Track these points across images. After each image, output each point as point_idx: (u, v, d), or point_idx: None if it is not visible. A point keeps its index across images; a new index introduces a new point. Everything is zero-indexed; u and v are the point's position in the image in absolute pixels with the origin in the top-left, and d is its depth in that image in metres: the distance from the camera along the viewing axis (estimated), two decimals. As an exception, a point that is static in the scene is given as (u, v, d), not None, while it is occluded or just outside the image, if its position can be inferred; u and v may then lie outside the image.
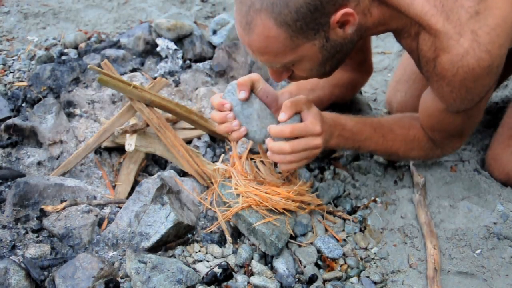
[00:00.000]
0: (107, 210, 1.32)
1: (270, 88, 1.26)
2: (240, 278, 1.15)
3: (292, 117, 1.15)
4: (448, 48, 1.05)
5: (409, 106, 1.68)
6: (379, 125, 1.31)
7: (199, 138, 1.58)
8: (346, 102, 1.68)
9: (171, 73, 1.88)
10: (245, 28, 1.00)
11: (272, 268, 1.20)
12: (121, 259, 1.18)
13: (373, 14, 1.08)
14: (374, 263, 1.25)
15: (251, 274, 1.17)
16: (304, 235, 1.29)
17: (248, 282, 1.14)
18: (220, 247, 1.25)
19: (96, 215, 1.27)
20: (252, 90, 1.20)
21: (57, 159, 1.48)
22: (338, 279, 1.19)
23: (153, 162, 1.56)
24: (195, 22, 2.13)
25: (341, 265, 1.23)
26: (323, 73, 1.15)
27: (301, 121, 1.16)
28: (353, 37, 1.07)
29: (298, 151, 1.14)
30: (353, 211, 1.42)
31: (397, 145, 1.32)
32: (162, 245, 1.21)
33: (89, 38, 2.11)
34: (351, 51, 1.13)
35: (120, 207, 1.32)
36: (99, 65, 1.73)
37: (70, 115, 1.63)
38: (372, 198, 1.44)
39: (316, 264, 1.23)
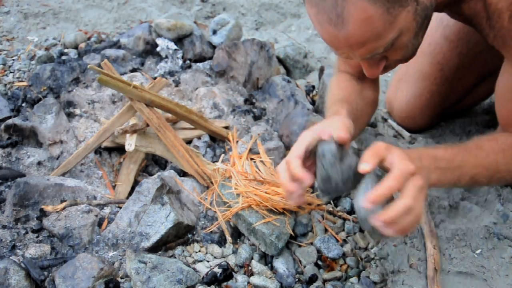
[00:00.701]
0: (107, 210, 1.32)
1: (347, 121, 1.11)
2: (240, 278, 1.15)
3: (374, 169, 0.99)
4: None
5: (410, 105, 1.68)
6: (465, 146, 1.15)
7: (199, 138, 1.58)
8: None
9: (171, 73, 1.88)
10: (337, 23, 0.90)
11: (272, 268, 1.20)
12: (121, 259, 1.18)
13: None
14: (374, 263, 1.25)
15: (251, 274, 1.17)
16: (304, 235, 1.29)
17: (248, 282, 1.14)
18: (220, 247, 1.25)
19: (96, 215, 1.27)
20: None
21: (57, 159, 1.48)
22: (338, 279, 1.19)
23: (153, 162, 1.56)
24: (195, 22, 2.13)
25: (341, 265, 1.23)
26: (416, 47, 1.07)
27: (384, 170, 1.00)
28: (433, 1, 1.01)
29: (412, 201, 0.95)
30: (353, 211, 1.42)
31: (493, 158, 1.14)
32: (162, 245, 1.21)
33: (89, 38, 2.11)
34: (430, 20, 1.06)
35: (120, 207, 1.32)
36: (99, 65, 1.73)
37: (70, 115, 1.63)
38: (372, 198, 1.44)
39: (316, 264, 1.23)
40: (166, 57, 1.95)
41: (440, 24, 1.56)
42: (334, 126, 1.04)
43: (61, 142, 1.52)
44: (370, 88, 1.41)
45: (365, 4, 0.88)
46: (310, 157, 1.03)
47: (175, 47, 1.95)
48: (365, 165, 0.98)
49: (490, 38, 1.10)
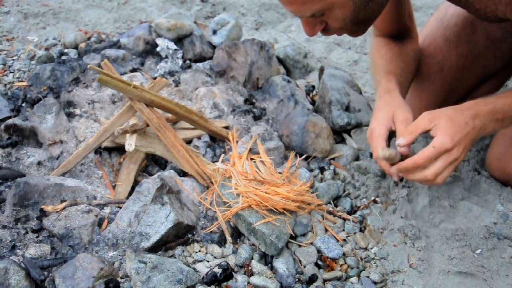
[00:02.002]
0: (107, 210, 1.32)
1: (408, 114, 1.26)
2: (240, 278, 1.15)
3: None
4: None
5: (410, 105, 1.68)
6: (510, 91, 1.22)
7: (199, 138, 1.58)
8: None
9: (171, 73, 1.88)
10: None
11: (272, 268, 1.20)
12: (121, 259, 1.18)
13: None
14: (374, 263, 1.25)
15: (251, 274, 1.17)
16: (304, 235, 1.29)
17: (248, 282, 1.14)
18: (220, 247, 1.25)
19: (96, 215, 1.27)
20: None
21: (57, 159, 1.48)
22: (338, 279, 1.19)
23: (153, 162, 1.56)
24: (195, 22, 2.13)
25: (341, 265, 1.23)
26: (357, 24, 1.12)
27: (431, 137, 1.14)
28: None
29: (441, 172, 1.13)
30: (353, 211, 1.42)
31: None
32: (162, 245, 1.21)
33: (89, 38, 2.11)
34: (386, 3, 1.10)
35: (120, 207, 1.32)
36: (99, 65, 1.73)
37: (70, 115, 1.63)
38: (372, 198, 1.44)
39: (316, 264, 1.23)
40: (166, 57, 1.95)
41: (441, 25, 1.56)
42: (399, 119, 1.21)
43: (61, 142, 1.52)
44: (408, 42, 1.48)
45: None
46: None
47: (175, 47, 1.95)
48: (401, 140, 1.14)
49: (472, 11, 1.13)
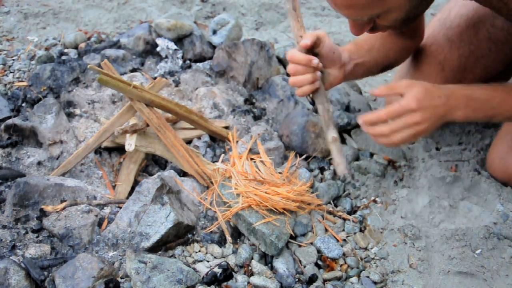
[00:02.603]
0: (107, 210, 1.32)
1: (334, 44, 1.25)
2: (240, 278, 1.15)
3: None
4: None
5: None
6: (502, 86, 1.23)
7: (199, 138, 1.58)
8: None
9: (171, 73, 1.88)
10: None
11: (272, 268, 1.20)
12: (121, 259, 1.18)
13: None
14: (374, 263, 1.25)
15: (251, 274, 1.17)
16: (304, 235, 1.29)
17: (248, 282, 1.14)
18: (220, 247, 1.25)
19: (96, 215, 1.27)
20: (316, 45, 1.22)
21: (57, 159, 1.48)
22: (338, 279, 1.19)
23: (153, 162, 1.56)
24: (195, 22, 2.13)
25: (341, 265, 1.23)
26: (407, 23, 1.13)
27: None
28: None
29: (398, 130, 1.14)
30: (353, 211, 1.42)
31: None
32: (162, 245, 1.21)
33: (89, 38, 2.11)
34: (433, 1, 1.10)
35: (120, 207, 1.32)
36: (99, 65, 1.73)
37: (70, 115, 1.63)
38: (372, 198, 1.44)
39: (316, 264, 1.23)
40: (166, 57, 1.95)
41: (443, 25, 1.56)
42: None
43: (61, 142, 1.52)
44: (406, 37, 1.48)
45: None
46: None
47: (175, 47, 1.95)
48: (375, 90, 1.17)
49: (504, 12, 1.13)
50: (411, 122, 1.14)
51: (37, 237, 1.23)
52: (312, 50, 1.25)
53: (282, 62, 2.06)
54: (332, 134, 1.24)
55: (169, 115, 1.54)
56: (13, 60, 1.94)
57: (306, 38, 1.19)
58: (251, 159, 1.42)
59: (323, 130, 1.28)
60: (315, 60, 1.20)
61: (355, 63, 1.38)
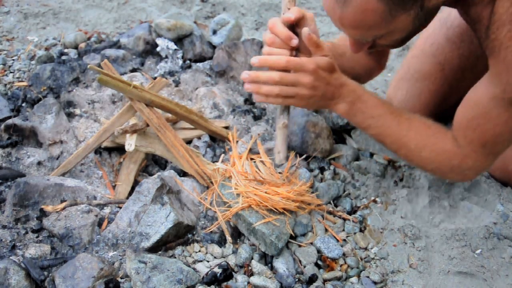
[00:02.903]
0: (107, 210, 1.32)
1: (317, 33, 1.22)
2: (240, 278, 1.15)
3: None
4: None
5: (410, 105, 1.68)
6: (399, 111, 1.22)
7: (199, 138, 1.58)
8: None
9: (171, 73, 1.88)
10: (339, 1, 0.94)
11: (272, 268, 1.20)
12: (121, 259, 1.18)
13: None
14: (374, 263, 1.25)
15: (251, 274, 1.17)
16: (304, 235, 1.29)
17: (248, 282, 1.14)
18: (220, 247, 1.25)
19: (96, 215, 1.27)
20: (299, 24, 1.18)
21: (57, 159, 1.48)
22: (338, 279, 1.19)
23: (153, 162, 1.56)
24: (195, 22, 2.13)
25: (341, 265, 1.23)
26: (404, 42, 1.12)
27: None
28: (440, 4, 1.03)
29: (286, 83, 1.12)
30: (353, 211, 1.42)
31: (411, 136, 1.20)
32: (162, 245, 1.21)
33: (89, 38, 2.11)
34: (431, 19, 1.09)
35: (120, 207, 1.32)
36: (99, 65, 1.73)
37: (70, 115, 1.63)
38: (372, 198, 1.44)
39: (316, 264, 1.23)
40: (166, 57, 1.95)
41: (444, 25, 1.56)
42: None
43: (61, 142, 1.52)
44: (372, 56, 1.48)
45: None
46: None
47: (175, 47, 1.95)
48: (289, 15, 1.15)
49: (483, 45, 1.11)
50: (301, 81, 1.12)
51: (37, 237, 1.23)
52: (294, 28, 1.20)
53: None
54: (283, 120, 1.21)
55: (169, 115, 1.54)
56: (13, 60, 1.94)
57: (291, 13, 1.15)
58: (251, 159, 1.42)
59: (277, 116, 1.24)
60: (295, 40, 1.16)
61: None
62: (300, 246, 1.25)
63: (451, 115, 1.77)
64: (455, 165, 1.20)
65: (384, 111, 1.21)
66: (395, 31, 1.04)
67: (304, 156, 1.54)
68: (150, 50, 1.97)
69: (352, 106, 1.19)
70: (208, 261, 1.20)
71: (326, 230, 1.32)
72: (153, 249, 1.19)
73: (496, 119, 1.11)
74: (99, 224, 1.26)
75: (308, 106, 1.21)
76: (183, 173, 1.44)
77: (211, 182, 1.38)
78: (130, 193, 1.41)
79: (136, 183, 1.43)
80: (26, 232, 1.23)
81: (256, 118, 1.71)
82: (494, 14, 1.03)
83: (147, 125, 1.46)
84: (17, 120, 1.51)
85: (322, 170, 1.53)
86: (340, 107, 1.20)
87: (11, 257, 1.14)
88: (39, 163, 1.45)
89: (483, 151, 1.16)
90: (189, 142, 1.57)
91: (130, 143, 1.42)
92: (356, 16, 0.95)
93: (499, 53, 1.05)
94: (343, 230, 1.34)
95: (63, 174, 1.42)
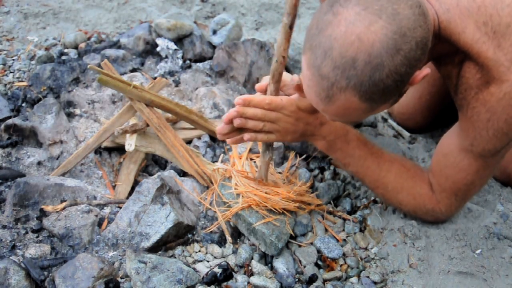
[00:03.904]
0: (107, 210, 1.32)
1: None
2: (240, 278, 1.15)
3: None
4: (498, 74, 1.00)
5: (410, 106, 1.68)
6: (380, 152, 1.26)
7: (199, 138, 1.58)
8: None
9: (171, 73, 1.88)
10: (324, 100, 0.97)
11: (272, 268, 1.20)
12: (121, 259, 1.18)
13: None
14: (374, 263, 1.25)
15: (251, 274, 1.17)
16: (304, 235, 1.29)
17: (248, 282, 1.14)
18: (220, 247, 1.25)
19: (96, 215, 1.27)
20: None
21: (57, 159, 1.48)
22: (338, 279, 1.19)
23: (153, 162, 1.56)
24: (195, 22, 2.13)
25: (341, 265, 1.23)
26: None
27: None
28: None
29: (269, 120, 1.16)
30: (353, 211, 1.42)
31: (390, 178, 1.25)
32: (162, 245, 1.21)
33: (89, 38, 2.11)
34: None
35: (120, 207, 1.32)
36: (99, 65, 1.73)
37: (70, 115, 1.63)
38: (372, 198, 1.44)
39: (316, 264, 1.23)
40: (166, 57, 1.95)
41: None
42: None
43: (61, 142, 1.52)
44: None
45: (355, 100, 0.94)
46: None
47: (175, 47, 1.95)
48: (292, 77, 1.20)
49: (453, 98, 1.14)
50: (282, 120, 1.17)
51: (37, 237, 1.23)
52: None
53: (282, 62, 2.06)
54: (269, 155, 1.25)
55: (169, 115, 1.54)
56: (13, 60, 1.94)
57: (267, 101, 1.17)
58: (251, 159, 1.42)
59: (262, 152, 1.26)
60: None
61: None
62: (300, 246, 1.25)
63: (451, 115, 1.78)
64: (429, 209, 1.26)
65: (365, 152, 1.25)
66: (376, 112, 1.07)
67: (304, 156, 1.54)
68: (150, 50, 1.97)
69: (332, 144, 1.24)
70: (208, 261, 1.20)
71: (326, 230, 1.32)
72: (153, 249, 1.19)
73: (467, 169, 1.16)
74: (99, 224, 1.26)
75: (289, 141, 1.27)
76: (183, 173, 1.44)
77: (211, 182, 1.38)
78: (130, 193, 1.41)
79: (136, 183, 1.43)
80: (26, 232, 1.23)
81: (256, 118, 1.71)
82: (461, 77, 1.07)
83: (147, 125, 1.46)
84: (17, 120, 1.51)
85: (322, 170, 1.53)
86: (319, 143, 1.25)
87: (11, 257, 1.14)
88: (39, 163, 1.45)
89: (455, 198, 1.22)
90: (189, 142, 1.57)
91: (130, 143, 1.42)
92: (339, 112, 0.99)
93: (466, 111, 1.09)
94: (343, 230, 1.34)
95: (63, 174, 1.42)
